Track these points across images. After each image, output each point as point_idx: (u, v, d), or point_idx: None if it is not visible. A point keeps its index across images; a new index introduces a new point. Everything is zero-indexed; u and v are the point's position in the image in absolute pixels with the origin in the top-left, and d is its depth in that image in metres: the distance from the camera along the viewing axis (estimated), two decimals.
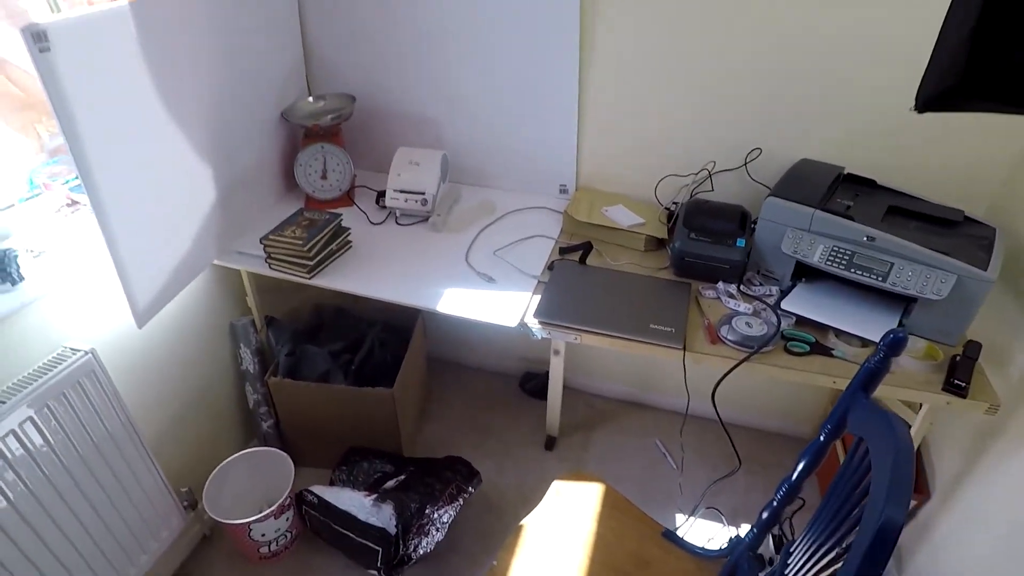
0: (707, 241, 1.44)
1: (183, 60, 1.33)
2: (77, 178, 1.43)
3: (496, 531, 1.73)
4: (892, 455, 0.69)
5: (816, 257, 1.31)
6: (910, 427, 1.22)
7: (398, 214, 1.73)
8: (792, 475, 1.00)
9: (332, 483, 1.76)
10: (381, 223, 1.71)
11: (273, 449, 1.68)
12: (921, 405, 1.33)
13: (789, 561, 0.93)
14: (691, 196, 1.66)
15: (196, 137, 1.40)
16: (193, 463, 1.68)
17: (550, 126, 1.71)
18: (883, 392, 1.23)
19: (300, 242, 1.43)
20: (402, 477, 1.70)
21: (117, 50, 1.16)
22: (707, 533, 1.75)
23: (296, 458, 1.68)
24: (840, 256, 1.29)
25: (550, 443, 2.00)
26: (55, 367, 1.22)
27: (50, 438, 1.20)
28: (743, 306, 1.38)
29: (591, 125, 1.68)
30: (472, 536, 1.72)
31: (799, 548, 0.92)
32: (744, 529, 1.72)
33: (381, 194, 1.77)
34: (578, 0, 1.49)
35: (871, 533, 0.63)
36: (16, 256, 1.18)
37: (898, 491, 0.65)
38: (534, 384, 2.16)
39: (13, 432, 1.13)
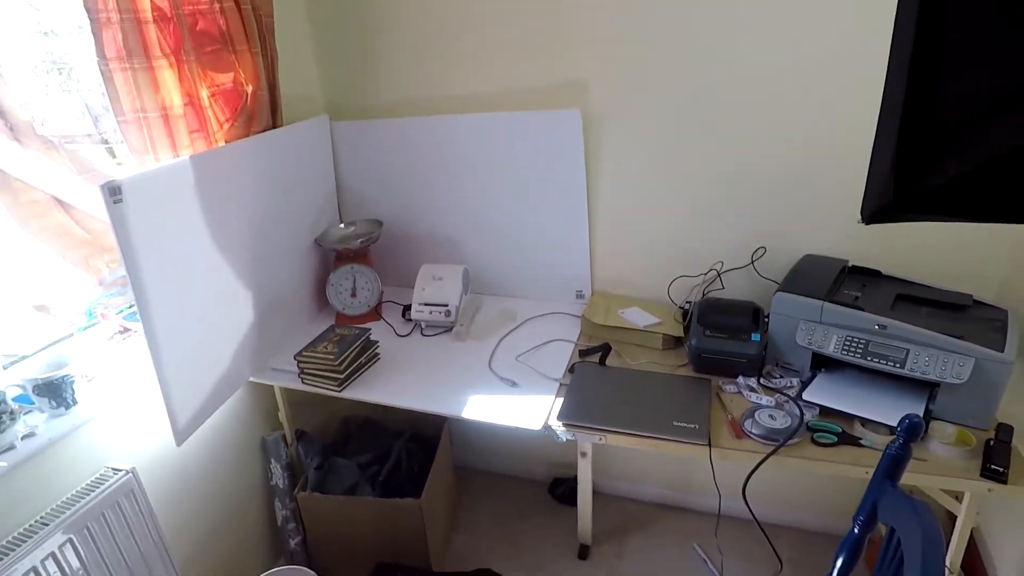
0: (723, 337, 1.48)
1: (232, 201, 1.49)
2: (132, 306, 1.56)
3: None
4: (920, 543, 0.68)
5: (831, 347, 1.33)
6: (953, 516, 1.18)
7: (423, 326, 1.82)
8: (832, 573, 0.97)
9: None
10: (407, 335, 1.80)
11: (301, 568, 1.65)
12: (964, 494, 1.29)
13: None
14: (703, 295, 1.72)
15: (239, 265, 1.53)
16: None
17: (564, 237, 1.82)
18: (922, 482, 1.20)
19: (331, 356, 1.51)
20: None
21: (177, 197, 1.33)
22: None
23: (323, 575, 1.65)
24: (855, 345, 1.31)
25: (583, 552, 1.93)
26: (97, 488, 1.27)
27: (86, 560, 1.22)
28: (765, 399, 1.39)
29: (602, 233, 1.79)
30: None
31: None
32: None
33: (407, 308, 1.87)
34: (580, 122, 1.66)
35: None
36: (72, 382, 1.27)
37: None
38: (563, 490, 2.11)
39: (52, 555, 1.16)
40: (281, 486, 1.79)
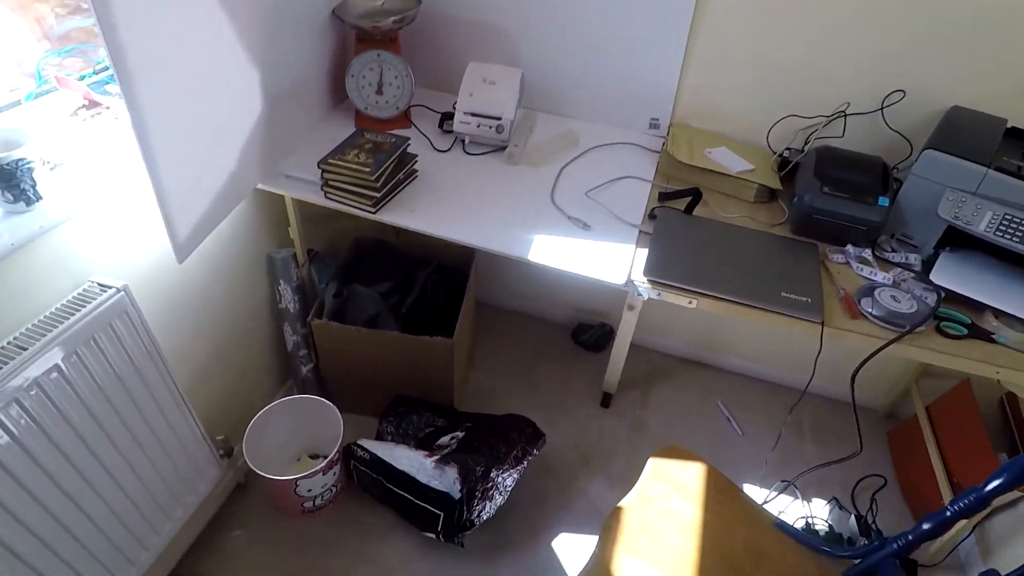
0: (844, 197, 1.23)
1: None
2: (96, 73, 1.17)
3: (552, 494, 1.62)
4: None
5: (983, 226, 1.12)
6: None
7: (467, 141, 1.49)
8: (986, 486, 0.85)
9: (379, 436, 1.62)
10: (447, 150, 1.48)
11: (318, 398, 1.51)
12: None
13: None
14: (806, 142, 1.44)
15: (245, 35, 1.13)
16: (227, 409, 1.51)
17: (649, 46, 1.45)
18: None
19: (367, 170, 1.20)
20: (459, 434, 1.56)
21: None
22: (775, 507, 1.65)
23: (335, 404, 1.53)
24: (1014, 227, 1.10)
25: (606, 400, 1.86)
26: (83, 305, 1.02)
27: (79, 386, 1.01)
28: (880, 275, 1.20)
29: (699, 49, 1.43)
30: (529, 500, 1.60)
31: None
32: (819, 506, 1.62)
33: (445, 116, 1.53)
34: None
35: None
36: (32, 169, 0.94)
37: None
38: (588, 336, 1.99)
39: (38, 383, 0.94)
40: (292, 310, 1.58)
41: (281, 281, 1.55)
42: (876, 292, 1.14)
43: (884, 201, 1.22)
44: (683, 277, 1.16)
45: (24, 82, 1.12)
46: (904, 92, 1.33)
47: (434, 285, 1.70)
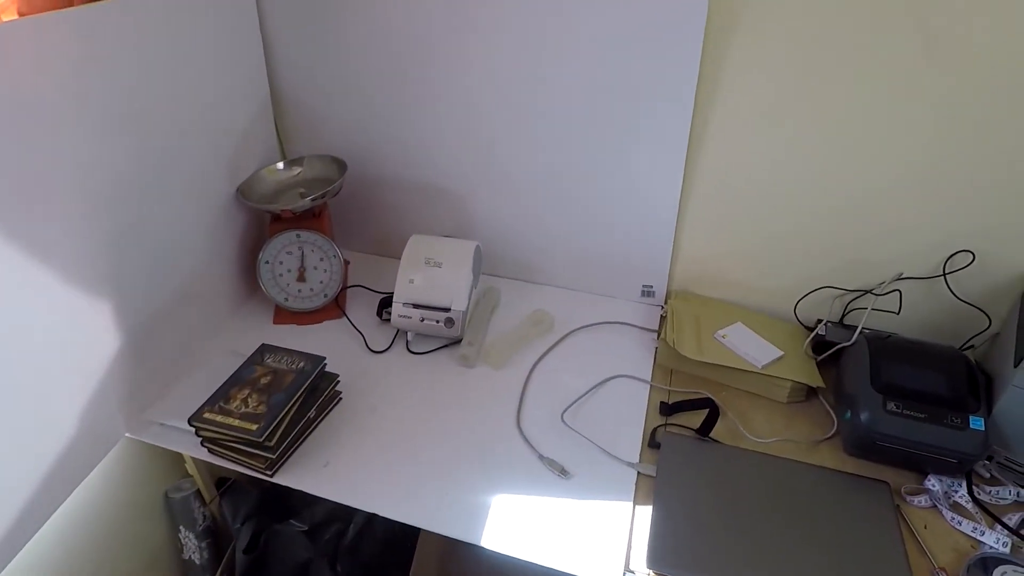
0: (919, 418, 0.88)
1: (53, 111, 0.77)
2: None
3: None
4: None
5: None
6: None
7: (410, 337, 1.18)
8: None
9: None
10: (385, 350, 1.16)
11: None
12: None
13: None
14: (845, 311, 1.11)
15: (90, 244, 0.85)
16: None
17: (634, 197, 1.15)
18: None
19: (254, 428, 0.87)
20: None
21: None
22: None
23: None
24: None
25: None
26: None
27: None
28: (988, 533, 0.83)
29: (698, 197, 1.13)
30: None
31: None
32: None
33: (384, 302, 1.22)
34: (705, 9, 0.94)
35: None
36: None
37: None
38: None
39: None
40: (198, 561, 1.22)
41: (182, 528, 1.20)
42: (996, 572, 0.77)
43: (978, 422, 0.87)
44: (707, 564, 0.80)
45: None
46: (973, 254, 1.00)
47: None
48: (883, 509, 0.87)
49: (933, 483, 0.90)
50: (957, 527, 0.85)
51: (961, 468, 0.88)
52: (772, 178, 1.05)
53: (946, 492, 0.89)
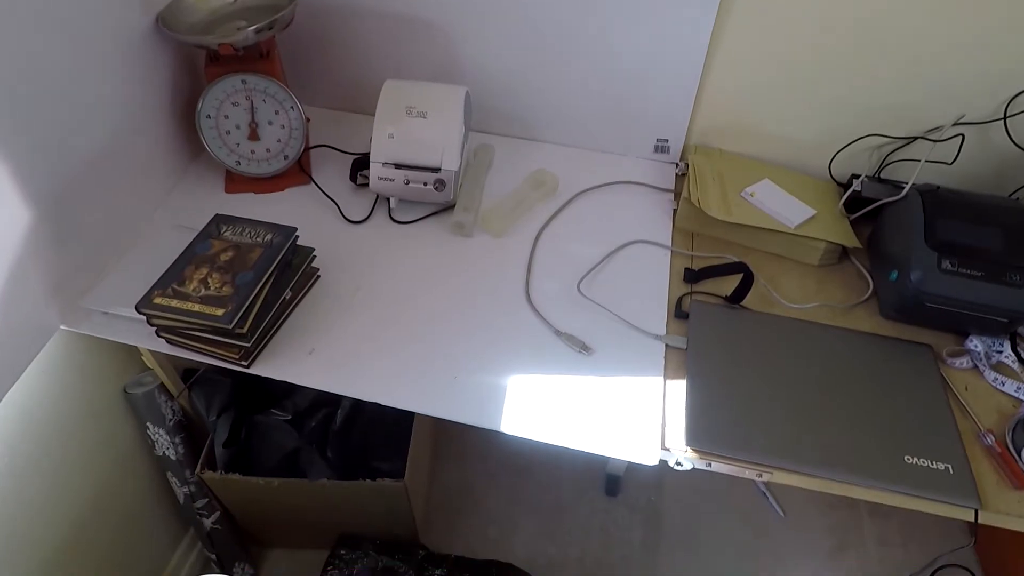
0: (976, 276, 0.80)
1: None
2: None
3: None
4: None
5: None
6: None
7: (393, 204, 1.01)
8: None
9: None
10: (365, 220, 0.99)
11: None
12: None
13: None
14: (882, 164, 0.99)
15: None
16: None
17: (653, 30, 0.96)
18: None
19: (220, 313, 0.72)
20: None
21: None
22: None
23: (261, 543, 1.10)
24: None
25: (612, 486, 1.47)
26: None
27: None
28: None
29: (729, 35, 0.94)
30: None
31: None
32: None
33: (358, 163, 1.04)
34: None
35: None
36: None
37: None
38: None
39: None
40: (173, 457, 1.11)
41: (149, 424, 1.08)
42: None
43: None
44: (746, 442, 0.73)
45: None
46: None
47: None
48: (927, 373, 0.81)
49: (976, 343, 0.84)
50: (1000, 388, 0.81)
51: (1009, 328, 0.82)
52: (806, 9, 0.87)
53: (987, 352, 0.84)
